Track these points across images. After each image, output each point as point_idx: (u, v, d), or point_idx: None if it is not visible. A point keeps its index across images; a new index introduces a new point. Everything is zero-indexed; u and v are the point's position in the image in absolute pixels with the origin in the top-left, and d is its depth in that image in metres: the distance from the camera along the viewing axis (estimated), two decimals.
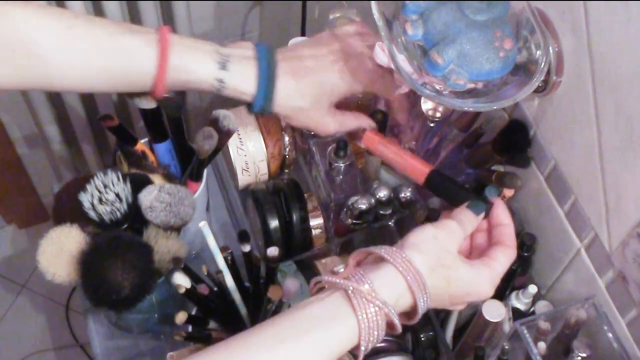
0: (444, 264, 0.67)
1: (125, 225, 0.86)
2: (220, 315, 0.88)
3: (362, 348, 0.62)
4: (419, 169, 0.83)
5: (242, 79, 0.79)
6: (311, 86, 0.82)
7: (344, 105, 0.89)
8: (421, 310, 0.66)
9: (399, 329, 0.65)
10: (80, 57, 0.75)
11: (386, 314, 0.63)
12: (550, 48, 0.79)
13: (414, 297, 0.65)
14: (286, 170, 1.05)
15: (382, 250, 0.66)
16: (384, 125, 0.98)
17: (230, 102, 0.96)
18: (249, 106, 0.82)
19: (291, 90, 0.81)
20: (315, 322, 0.62)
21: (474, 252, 0.75)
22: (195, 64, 0.78)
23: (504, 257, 0.71)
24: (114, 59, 0.76)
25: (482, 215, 0.73)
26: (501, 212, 0.74)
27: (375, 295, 0.62)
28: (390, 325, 0.65)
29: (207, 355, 0.60)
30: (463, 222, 0.71)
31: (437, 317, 0.93)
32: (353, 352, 0.64)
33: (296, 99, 0.82)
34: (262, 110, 0.82)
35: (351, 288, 0.62)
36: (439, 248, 0.68)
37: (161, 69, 0.76)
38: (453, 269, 0.67)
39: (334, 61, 0.83)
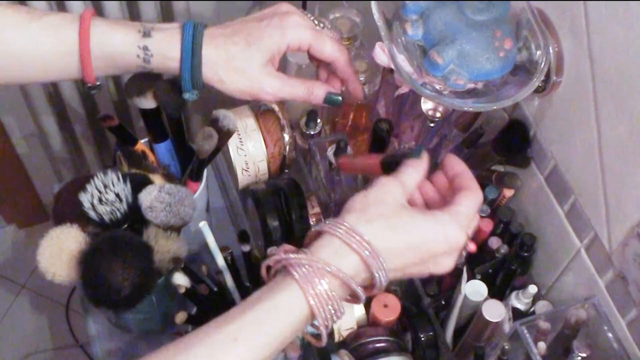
0: (382, 213, 0.64)
1: (125, 225, 0.86)
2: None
3: (320, 320, 0.61)
4: (374, 163, 0.76)
5: (166, 43, 0.76)
6: (240, 43, 0.77)
7: (344, 106, 0.89)
8: (376, 268, 0.62)
9: (361, 296, 0.62)
10: (9, 43, 0.75)
11: (339, 280, 0.61)
12: (550, 48, 0.79)
13: (357, 253, 0.62)
14: (286, 170, 1.05)
15: (319, 225, 0.65)
16: (389, 134, 0.97)
17: (231, 102, 0.96)
18: (181, 81, 0.78)
19: (221, 49, 0.77)
20: (267, 311, 0.61)
21: (434, 207, 0.70)
22: (118, 34, 0.76)
23: (467, 199, 0.67)
24: (40, 40, 0.75)
25: (424, 158, 0.69)
26: (454, 162, 0.71)
27: (313, 259, 0.61)
28: (352, 295, 0.63)
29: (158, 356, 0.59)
30: (401, 173, 0.68)
31: (437, 317, 0.93)
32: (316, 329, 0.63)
33: (227, 56, 0.77)
34: (193, 81, 0.78)
35: (290, 256, 0.61)
36: (371, 202, 0.65)
37: (84, 44, 0.75)
38: (393, 217, 0.64)
39: (261, 19, 0.79)
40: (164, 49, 0.77)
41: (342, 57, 0.80)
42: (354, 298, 0.64)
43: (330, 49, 0.79)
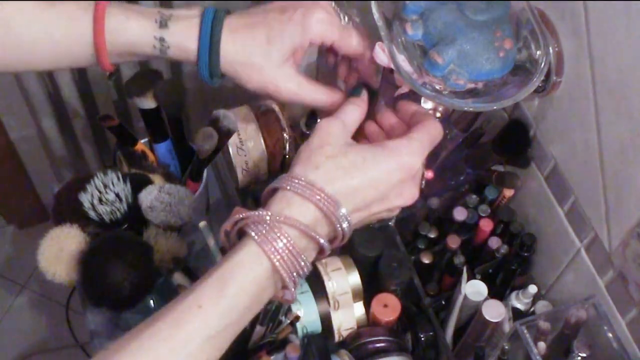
0: (328, 155, 0.63)
1: (125, 225, 0.86)
2: None
3: (284, 274, 0.59)
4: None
5: (184, 35, 0.74)
6: (260, 39, 0.75)
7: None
8: (333, 213, 0.61)
9: (324, 244, 0.61)
10: (11, 30, 0.73)
11: (296, 230, 0.60)
12: (550, 48, 0.79)
13: (310, 201, 0.61)
14: (286, 170, 1.05)
15: (274, 181, 0.64)
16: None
17: (231, 103, 0.96)
18: (198, 72, 0.77)
19: (239, 44, 0.75)
20: (227, 274, 0.59)
21: None
22: (133, 23, 0.73)
23: (419, 129, 0.66)
24: (53, 29, 0.73)
25: (363, 97, 0.68)
26: (408, 104, 0.70)
27: (266, 214, 0.60)
28: (317, 247, 0.62)
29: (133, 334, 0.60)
30: (340, 112, 0.67)
31: (437, 317, 0.93)
32: (283, 285, 0.61)
33: (245, 53, 0.75)
34: (210, 73, 0.76)
35: (241, 216, 0.60)
36: (314, 147, 0.63)
37: (98, 33, 0.73)
38: (340, 156, 0.62)
39: (283, 10, 0.76)
40: (181, 41, 0.74)
41: (368, 54, 0.79)
42: (319, 252, 0.63)
43: (356, 44, 0.78)
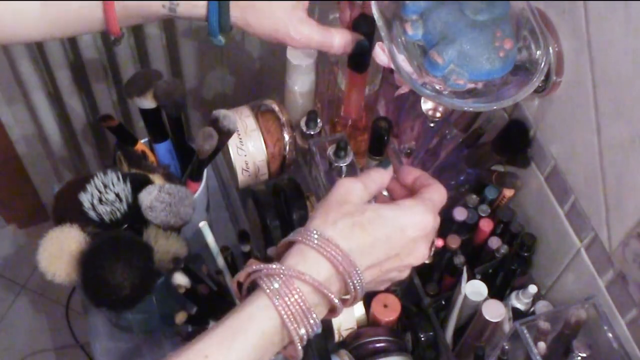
0: (346, 212, 0.62)
1: (125, 225, 0.86)
2: (220, 316, 0.88)
3: (292, 331, 0.58)
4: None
5: None
6: None
7: (345, 103, 0.89)
8: (347, 272, 0.60)
9: (336, 304, 0.60)
10: None
11: (309, 287, 0.58)
12: (550, 48, 0.79)
13: (326, 258, 0.59)
14: (286, 170, 1.05)
15: (289, 235, 0.62)
16: (388, 132, 0.97)
17: (231, 102, 0.96)
18: (209, 27, 0.75)
19: None
20: (237, 326, 0.58)
21: None
22: None
23: (430, 190, 0.66)
24: None
25: (389, 172, 0.68)
26: (409, 169, 0.70)
27: (281, 268, 0.58)
28: (329, 305, 0.61)
29: None
30: (364, 176, 0.67)
31: (437, 317, 0.93)
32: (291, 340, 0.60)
33: (255, 2, 0.74)
34: (221, 25, 0.75)
35: (255, 268, 0.59)
36: (333, 204, 0.63)
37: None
38: (358, 214, 0.62)
39: None
40: None
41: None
42: (331, 310, 0.62)
43: None
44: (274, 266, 0.59)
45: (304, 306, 0.58)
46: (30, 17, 0.74)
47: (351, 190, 0.64)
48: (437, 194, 0.67)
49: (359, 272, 0.60)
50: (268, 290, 0.58)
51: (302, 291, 0.58)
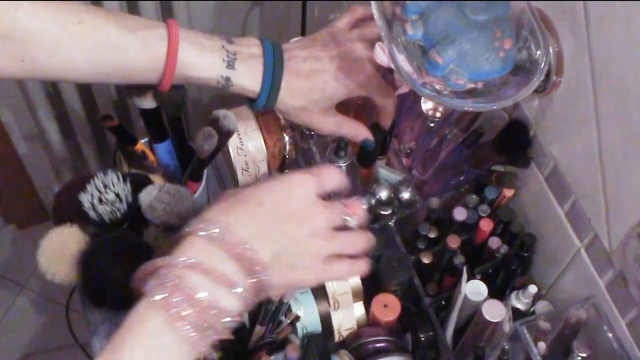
0: (231, 196, 0.65)
1: (125, 225, 0.86)
2: None
3: (175, 318, 0.56)
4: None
5: (248, 78, 0.81)
6: (314, 88, 0.83)
7: (344, 105, 0.89)
8: (234, 243, 0.60)
9: (240, 284, 0.59)
10: (89, 53, 0.76)
11: (191, 271, 0.58)
12: (550, 48, 0.79)
13: (205, 239, 0.60)
14: (286, 170, 1.05)
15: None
16: (390, 134, 0.98)
17: (231, 102, 0.96)
18: (251, 102, 0.83)
19: (295, 91, 0.82)
20: (125, 331, 0.58)
21: None
22: (203, 62, 0.79)
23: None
24: (123, 56, 0.77)
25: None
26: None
27: (157, 263, 0.58)
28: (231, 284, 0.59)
29: None
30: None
31: (437, 317, 0.93)
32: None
33: (299, 99, 0.83)
34: (264, 108, 0.83)
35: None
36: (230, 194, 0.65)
37: (169, 66, 0.77)
38: (239, 194, 0.65)
39: (335, 65, 0.84)
40: (245, 83, 0.81)
41: (389, 111, 0.88)
42: (232, 286, 0.60)
43: (389, 107, 0.87)
44: (163, 260, 0.59)
45: (186, 290, 0.57)
46: (84, 67, 0.77)
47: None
48: (325, 171, 0.70)
49: (244, 244, 0.60)
50: (146, 288, 0.58)
51: (179, 277, 0.58)
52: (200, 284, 0.58)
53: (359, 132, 0.89)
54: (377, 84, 0.85)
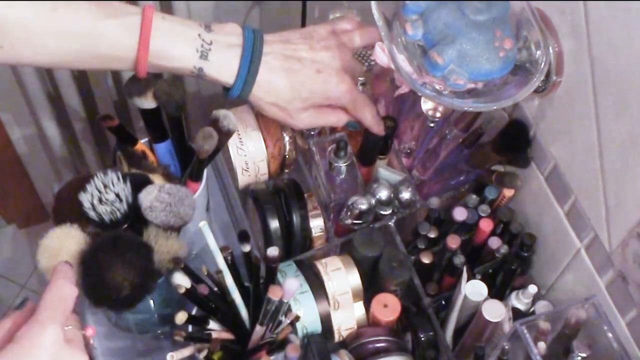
0: None
1: (125, 225, 0.86)
2: (220, 315, 0.88)
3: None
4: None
5: (222, 70, 0.80)
6: (289, 89, 0.82)
7: None
8: None
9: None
10: (62, 40, 0.75)
11: None
12: (550, 48, 0.79)
13: None
14: (286, 170, 1.05)
15: None
16: (393, 131, 0.98)
17: (231, 102, 0.96)
18: (224, 89, 0.83)
19: (269, 88, 0.82)
20: None
21: None
22: (175, 53, 0.78)
23: None
24: (95, 44, 0.76)
25: None
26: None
27: None
28: None
29: None
30: None
31: (437, 317, 0.93)
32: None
33: (272, 96, 0.82)
34: (237, 98, 0.83)
35: None
36: None
37: (141, 56, 0.77)
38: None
39: (319, 70, 0.83)
40: (218, 75, 0.80)
41: (375, 129, 0.90)
42: None
43: (369, 120, 0.88)
44: None
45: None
46: (57, 53, 0.77)
47: None
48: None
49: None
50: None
51: None
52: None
53: (336, 120, 0.87)
54: (353, 98, 0.85)
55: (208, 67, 0.79)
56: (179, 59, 0.78)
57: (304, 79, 0.82)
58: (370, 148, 0.96)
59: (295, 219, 0.95)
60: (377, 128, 0.90)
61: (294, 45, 0.83)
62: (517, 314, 0.91)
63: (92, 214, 0.84)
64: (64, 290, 0.62)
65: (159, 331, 1.03)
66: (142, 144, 0.97)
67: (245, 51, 0.79)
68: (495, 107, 0.80)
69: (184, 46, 0.78)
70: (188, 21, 0.79)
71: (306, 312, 0.90)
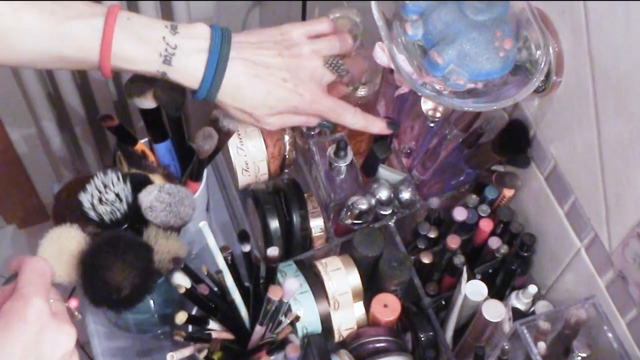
0: None
1: (125, 225, 0.86)
2: (220, 315, 0.88)
3: None
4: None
5: (185, 75, 0.78)
6: (255, 96, 0.81)
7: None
8: None
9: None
10: (26, 40, 0.74)
11: None
12: (550, 48, 0.79)
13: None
14: (286, 170, 1.05)
15: None
16: (392, 135, 0.98)
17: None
18: (191, 92, 0.81)
19: (237, 93, 0.80)
20: None
21: None
22: (138, 57, 0.77)
23: None
24: (59, 45, 0.75)
25: None
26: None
27: None
28: None
29: None
30: None
31: (437, 317, 0.93)
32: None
33: (238, 102, 0.81)
34: (207, 98, 0.81)
35: None
36: None
37: (104, 58, 0.76)
38: None
39: (285, 80, 0.81)
40: (182, 80, 0.79)
41: (358, 125, 0.88)
42: None
43: (347, 124, 0.87)
44: None
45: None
46: (21, 53, 0.76)
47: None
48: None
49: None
50: None
51: None
52: None
53: (306, 121, 0.86)
54: (322, 106, 0.84)
55: (171, 72, 0.77)
56: (142, 62, 0.77)
57: (271, 87, 0.80)
58: (373, 161, 0.96)
59: (295, 219, 0.95)
60: (370, 126, 0.89)
61: (264, 50, 0.81)
62: (517, 314, 0.91)
63: (92, 214, 0.84)
64: (40, 264, 0.61)
65: (159, 331, 1.03)
66: (142, 144, 0.97)
67: (211, 56, 0.77)
68: (495, 107, 0.80)
69: (147, 50, 0.76)
70: (154, 22, 0.77)
71: (306, 312, 0.90)
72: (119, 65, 0.77)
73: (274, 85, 0.80)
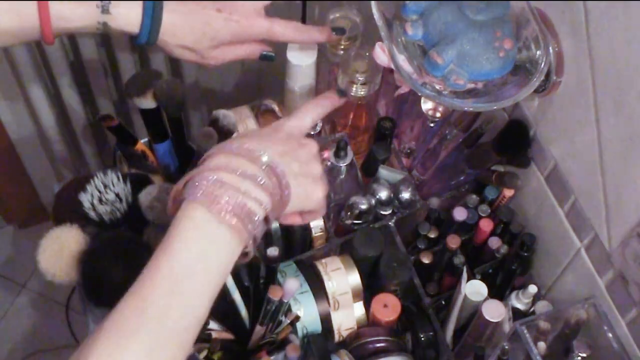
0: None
1: (125, 225, 0.86)
2: (220, 315, 0.88)
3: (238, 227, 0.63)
4: None
5: (125, 20, 0.80)
6: (195, 28, 0.83)
7: (344, 107, 0.89)
8: (254, 150, 0.67)
9: (258, 177, 0.65)
10: None
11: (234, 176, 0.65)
12: (550, 48, 0.79)
13: (227, 152, 0.67)
14: None
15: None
16: (392, 132, 0.98)
17: (231, 102, 0.97)
18: (133, 39, 0.83)
19: (176, 31, 0.82)
20: (172, 234, 0.65)
21: None
22: (77, 12, 0.78)
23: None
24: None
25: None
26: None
27: (203, 169, 0.66)
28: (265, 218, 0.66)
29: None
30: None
31: (437, 317, 0.93)
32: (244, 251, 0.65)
33: (180, 37, 0.83)
34: (146, 45, 0.83)
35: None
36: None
37: (44, 21, 0.77)
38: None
39: (220, 9, 0.84)
40: (122, 25, 0.80)
41: (316, 37, 0.90)
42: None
43: (294, 38, 0.89)
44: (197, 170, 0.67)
45: (222, 184, 0.65)
46: None
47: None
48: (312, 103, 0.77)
49: (260, 152, 0.67)
50: (184, 194, 0.66)
51: (214, 176, 0.65)
52: (233, 180, 0.65)
53: (249, 52, 0.88)
54: (262, 27, 0.86)
55: (111, 21, 0.80)
56: (81, 17, 0.79)
57: (207, 18, 0.83)
58: (373, 161, 0.96)
59: None
60: (315, 35, 0.91)
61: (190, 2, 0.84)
62: (517, 314, 0.91)
63: (92, 214, 0.84)
64: (324, 101, 0.76)
65: None
66: (142, 144, 0.97)
67: (146, 6, 0.80)
68: (495, 107, 0.80)
69: (84, 3, 0.79)
70: None
71: (306, 312, 0.90)
72: (59, 25, 0.78)
73: (209, 16, 0.83)
